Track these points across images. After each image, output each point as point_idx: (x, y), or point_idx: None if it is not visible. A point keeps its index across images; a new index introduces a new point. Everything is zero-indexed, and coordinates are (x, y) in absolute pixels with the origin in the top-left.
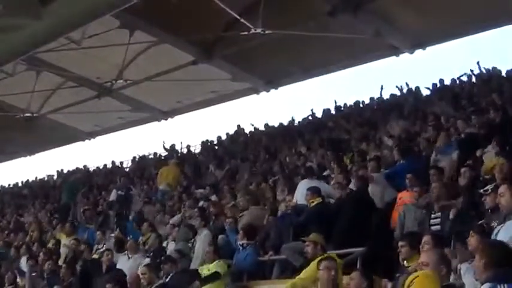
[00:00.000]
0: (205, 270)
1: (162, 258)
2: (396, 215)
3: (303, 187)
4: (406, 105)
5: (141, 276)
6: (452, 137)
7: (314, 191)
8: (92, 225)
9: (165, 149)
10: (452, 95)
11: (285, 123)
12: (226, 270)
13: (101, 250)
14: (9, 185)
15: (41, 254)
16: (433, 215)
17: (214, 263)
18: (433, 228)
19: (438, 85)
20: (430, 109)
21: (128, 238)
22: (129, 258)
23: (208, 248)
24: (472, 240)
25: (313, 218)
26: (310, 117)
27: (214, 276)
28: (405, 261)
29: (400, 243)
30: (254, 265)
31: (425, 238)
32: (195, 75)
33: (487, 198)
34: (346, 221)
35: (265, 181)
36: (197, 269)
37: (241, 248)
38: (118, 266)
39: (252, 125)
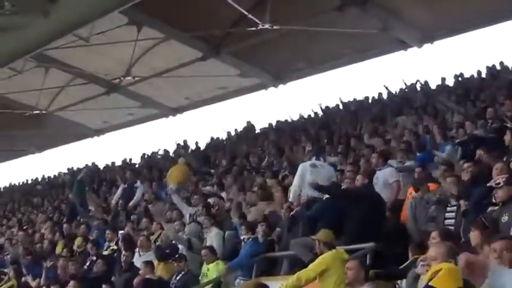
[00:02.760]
0: (205, 270)
1: (176, 256)
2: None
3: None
4: (415, 100)
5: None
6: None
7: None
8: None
9: (177, 146)
10: (462, 90)
11: (294, 118)
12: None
13: (113, 247)
14: (18, 182)
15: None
16: (448, 208)
17: (214, 264)
18: (447, 222)
19: (447, 80)
20: (438, 105)
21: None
22: (140, 255)
23: (204, 250)
24: (473, 236)
25: (323, 212)
26: (318, 113)
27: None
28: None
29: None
30: (251, 256)
31: (433, 234)
32: (203, 71)
33: (499, 191)
34: (356, 217)
35: (275, 177)
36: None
37: (243, 243)
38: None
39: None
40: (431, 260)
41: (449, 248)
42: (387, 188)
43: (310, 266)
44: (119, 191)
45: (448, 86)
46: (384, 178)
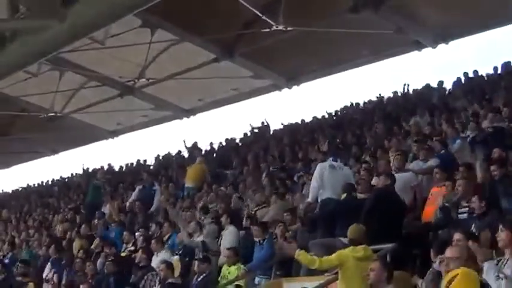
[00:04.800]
0: (225, 272)
1: (199, 257)
2: (429, 209)
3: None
4: (430, 100)
5: (158, 271)
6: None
7: (345, 187)
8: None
9: (186, 147)
10: (478, 89)
11: (307, 120)
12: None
13: (130, 249)
14: (34, 184)
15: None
16: (460, 210)
17: (236, 267)
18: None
19: (463, 79)
20: (452, 104)
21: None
22: (157, 255)
23: (228, 252)
24: (503, 236)
25: (341, 210)
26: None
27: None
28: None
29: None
30: (270, 258)
31: (457, 235)
32: (217, 73)
33: None
34: (375, 217)
35: (290, 178)
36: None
37: (258, 244)
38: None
39: None
40: (450, 260)
41: (470, 250)
42: (407, 191)
43: (327, 257)
44: (135, 192)
45: (463, 84)
46: (404, 182)
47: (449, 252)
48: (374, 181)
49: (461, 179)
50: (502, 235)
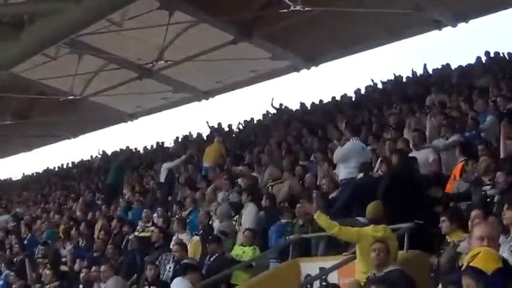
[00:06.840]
0: (240, 251)
1: (209, 237)
2: (451, 187)
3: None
4: (449, 79)
5: (173, 251)
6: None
7: (361, 166)
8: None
9: (209, 127)
10: (498, 67)
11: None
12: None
13: (150, 228)
14: (55, 167)
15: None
16: (483, 188)
17: (252, 248)
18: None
19: (483, 58)
20: (472, 83)
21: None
22: (177, 236)
23: (247, 232)
24: (508, 214)
25: (358, 190)
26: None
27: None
28: (447, 236)
29: (441, 218)
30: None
31: (475, 213)
32: (235, 54)
33: None
34: (392, 196)
35: (307, 158)
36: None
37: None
38: None
39: None
40: (481, 240)
41: (496, 226)
42: (427, 167)
43: (348, 227)
44: (163, 173)
45: (483, 63)
46: (423, 158)
47: (477, 232)
48: (377, 165)
49: (483, 156)
50: (507, 213)
